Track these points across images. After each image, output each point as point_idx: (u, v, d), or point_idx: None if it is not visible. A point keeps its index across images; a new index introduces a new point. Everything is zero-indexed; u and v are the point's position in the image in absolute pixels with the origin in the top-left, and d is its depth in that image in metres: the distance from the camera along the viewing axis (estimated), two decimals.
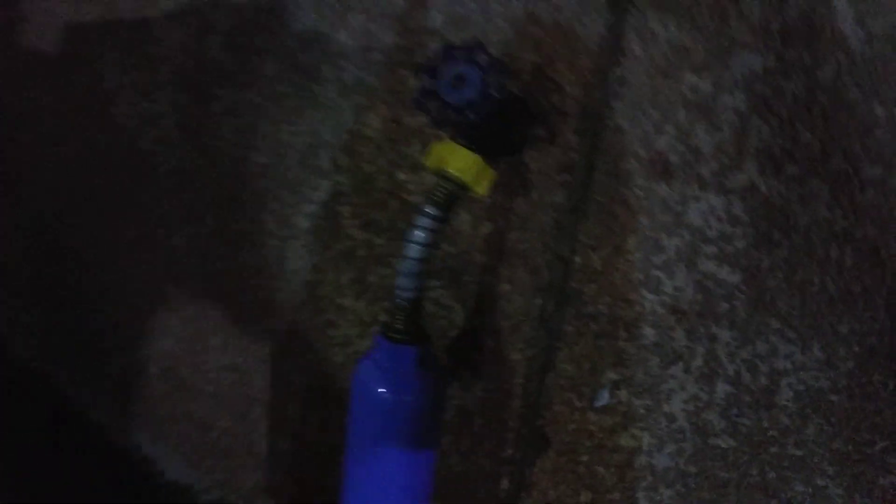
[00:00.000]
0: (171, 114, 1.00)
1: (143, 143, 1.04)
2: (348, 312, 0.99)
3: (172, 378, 1.23)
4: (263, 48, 0.88)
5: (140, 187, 1.08)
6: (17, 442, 1.34)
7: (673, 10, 0.65)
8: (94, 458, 1.35)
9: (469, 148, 0.71)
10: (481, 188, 0.72)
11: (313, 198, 0.94)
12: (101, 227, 1.15)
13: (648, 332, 0.79)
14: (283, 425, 1.13)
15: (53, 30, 1.06)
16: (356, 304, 0.97)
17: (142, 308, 1.18)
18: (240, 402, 1.17)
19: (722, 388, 0.77)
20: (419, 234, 0.72)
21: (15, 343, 1.45)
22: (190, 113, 0.98)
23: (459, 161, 0.70)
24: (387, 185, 0.87)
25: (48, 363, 1.40)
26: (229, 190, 0.99)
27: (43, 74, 1.11)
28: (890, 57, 0.60)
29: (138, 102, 1.02)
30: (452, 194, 0.71)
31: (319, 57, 0.85)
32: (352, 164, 0.89)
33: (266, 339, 1.08)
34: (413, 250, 0.72)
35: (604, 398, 0.84)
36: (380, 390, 0.78)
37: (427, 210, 0.71)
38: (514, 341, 0.88)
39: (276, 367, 1.10)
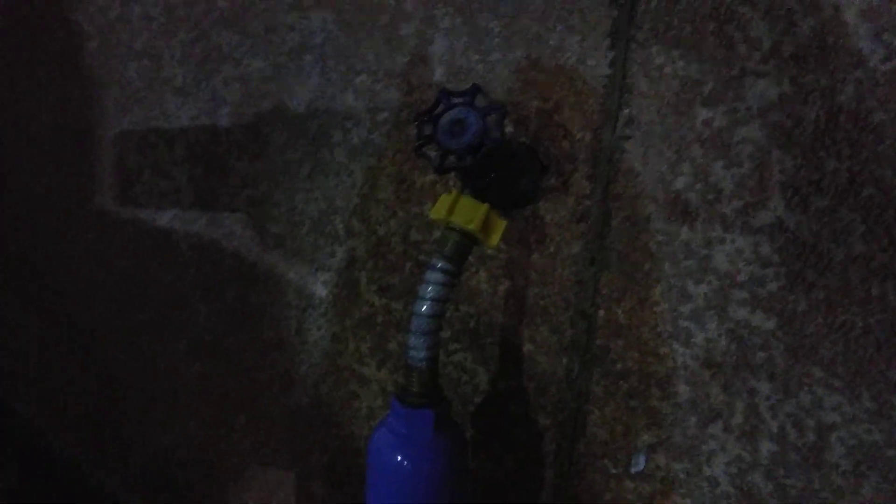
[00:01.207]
0: (188, 189, 0.99)
1: (162, 221, 1.03)
2: (371, 383, 0.95)
3: (200, 462, 1.19)
4: (271, 117, 0.87)
5: (160, 265, 1.07)
6: None
7: (677, 42, 0.62)
8: None
9: (476, 198, 0.68)
10: (492, 240, 0.69)
11: (330, 265, 0.91)
12: (122, 308, 1.15)
13: (682, 389, 0.73)
14: None
15: (73, 113, 1.08)
16: (378, 374, 0.94)
17: (166, 390, 1.15)
18: (266, 485, 1.13)
19: (766, 446, 0.71)
20: (430, 290, 0.68)
21: (46, 433, 1.44)
22: (206, 186, 0.98)
23: (466, 212, 0.67)
24: (401, 246, 0.85)
25: (79, 452, 1.38)
26: (247, 262, 0.98)
27: (64, 159, 1.12)
28: None
29: (157, 180, 1.02)
30: (461, 246, 0.68)
31: (327, 121, 0.84)
32: (365, 228, 0.87)
33: (290, 416, 1.05)
34: (424, 307, 0.69)
35: (640, 463, 0.78)
36: (397, 458, 0.73)
37: (436, 264, 0.68)
38: (542, 405, 0.83)
39: (300, 445, 1.06)
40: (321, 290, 0.94)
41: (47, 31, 1.06)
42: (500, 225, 0.69)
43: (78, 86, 1.04)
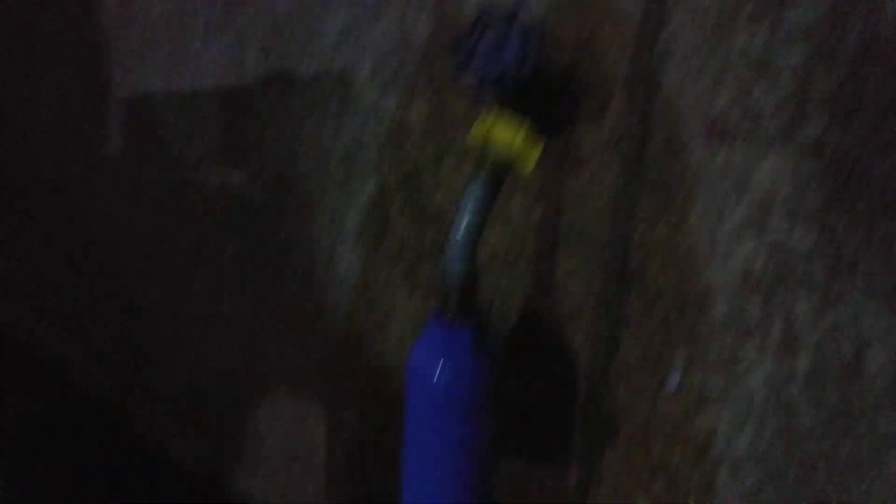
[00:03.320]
0: (215, 127, 0.99)
1: (188, 158, 1.03)
2: (401, 311, 0.96)
3: (231, 388, 1.22)
4: (298, 53, 0.86)
5: (188, 202, 1.07)
6: (83, 463, 1.36)
7: None
8: (155, 473, 1.35)
9: (515, 119, 0.68)
10: (528, 164, 0.69)
11: (360, 197, 0.92)
12: (152, 243, 1.16)
13: (719, 307, 0.75)
14: (340, 431, 1.11)
15: (96, 56, 1.06)
16: (408, 302, 0.95)
17: (197, 320, 1.17)
18: (297, 409, 1.15)
19: (803, 362, 0.72)
20: (467, 209, 0.70)
21: (76, 365, 1.46)
22: (233, 125, 0.97)
23: (505, 132, 0.68)
24: (432, 176, 0.85)
25: (108, 384, 1.40)
26: (276, 198, 0.98)
27: (88, 100, 1.12)
28: None
29: (183, 118, 1.02)
30: (500, 167, 0.69)
31: (355, 55, 0.83)
32: (396, 160, 0.87)
33: (320, 344, 1.07)
34: (462, 224, 0.70)
35: (675, 381, 0.80)
36: (436, 375, 0.74)
37: (474, 184, 0.69)
38: (577, 325, 0.84)
39: (331, 372, 1.08)
40: (351, 222, 0.94)
41: None
42: (537, 148, 0.70)
43: (100, 28, 1.03)
